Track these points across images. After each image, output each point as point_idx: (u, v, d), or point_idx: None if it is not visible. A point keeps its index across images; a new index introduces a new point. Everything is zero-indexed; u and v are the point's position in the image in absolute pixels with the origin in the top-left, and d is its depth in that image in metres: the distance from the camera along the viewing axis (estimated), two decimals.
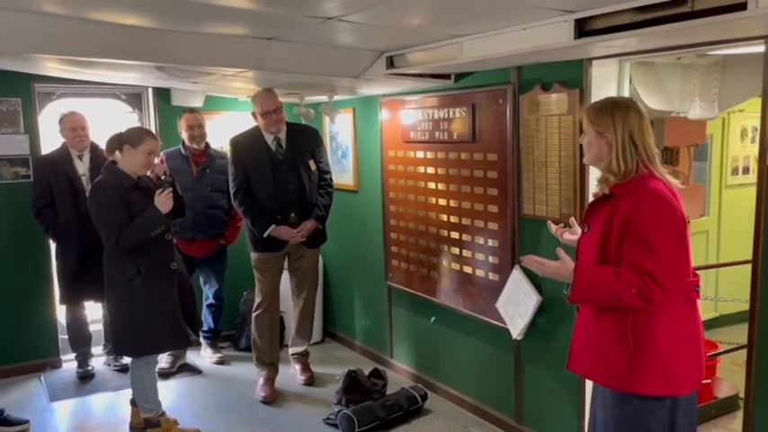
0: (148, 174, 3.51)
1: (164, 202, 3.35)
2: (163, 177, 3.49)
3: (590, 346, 2.28)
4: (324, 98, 4.61)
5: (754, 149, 5.20)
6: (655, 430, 2.16)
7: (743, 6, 1.91)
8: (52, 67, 3.75)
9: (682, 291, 2.17)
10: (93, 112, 4.58)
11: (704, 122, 4.36)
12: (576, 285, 2.18)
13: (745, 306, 2.76)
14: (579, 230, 2.47)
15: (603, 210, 2.21)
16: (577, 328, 2.37)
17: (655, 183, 2.16)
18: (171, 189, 3.42)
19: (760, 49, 2.40)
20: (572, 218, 2.76)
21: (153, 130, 4.92)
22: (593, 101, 2.96)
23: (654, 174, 2.18)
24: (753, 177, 4.93)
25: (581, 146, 2.99)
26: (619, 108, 2.21)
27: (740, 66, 3.52)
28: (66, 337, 4.59)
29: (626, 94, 3.04)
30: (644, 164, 2.18)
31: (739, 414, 3.52)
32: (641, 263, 2.07)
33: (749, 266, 2.56)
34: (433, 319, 3.98)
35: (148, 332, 3.40)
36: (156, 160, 4.41)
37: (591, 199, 2.41)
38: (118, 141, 3.39)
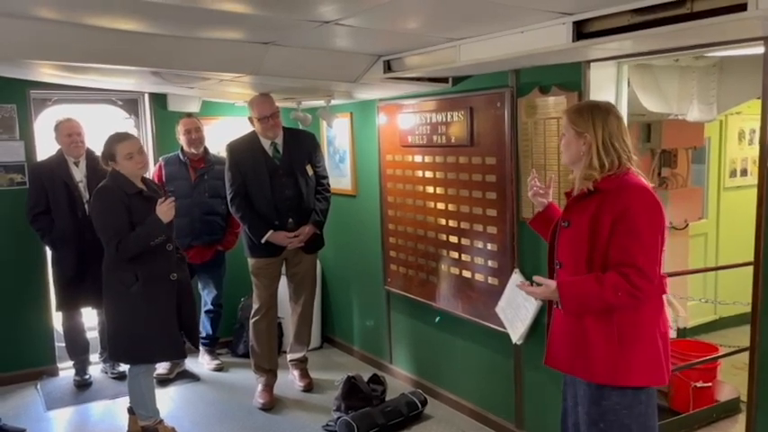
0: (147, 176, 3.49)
1: (165, 211, 3.32)
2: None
3: (572, 340, 2.32)
4: (321, 103, 4.60)
5: (752, 152, 5.20)
6: (631, 425, 2.24)
7: (743, 7, 1.90)
8: (48, 73, 3.73)
9: (661, 285, 2.26)
10: (89, 118, 4.56)
11: (702, 125, 4.36)
12: (563, 301, 2.26)
13: (745, 309, 2.75)
14: (550, 197, 2.60)
15: (586, 205, 2.26)
16: (555, 323, 2.40)
17: (640, 179, 2.24)
18: (173, 198, 3.41)
19: (759, 50, 2.39)
20: (551, 181, 2.75)
21: (149, 135, 4.93)
22: None
23: (635, 172, 2.26)
24: (751, 180, 4.96)
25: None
26: (599, 110, 2.28)
27: (738, 67, 3.52)
28: (63, 344, 4.56)
29: (624, 96, 3.03)
30: (622, 161, 2.24)
31: (741, 417, 3.51)
32: (633, 257, 2.13)
33: (749, 269, 2.55)
34: (438, 318, 3.96)
35: (145, 340, 3.37)
36: (154, 167, 4.41)
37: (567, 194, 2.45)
38: (104, 160, 3.43)
